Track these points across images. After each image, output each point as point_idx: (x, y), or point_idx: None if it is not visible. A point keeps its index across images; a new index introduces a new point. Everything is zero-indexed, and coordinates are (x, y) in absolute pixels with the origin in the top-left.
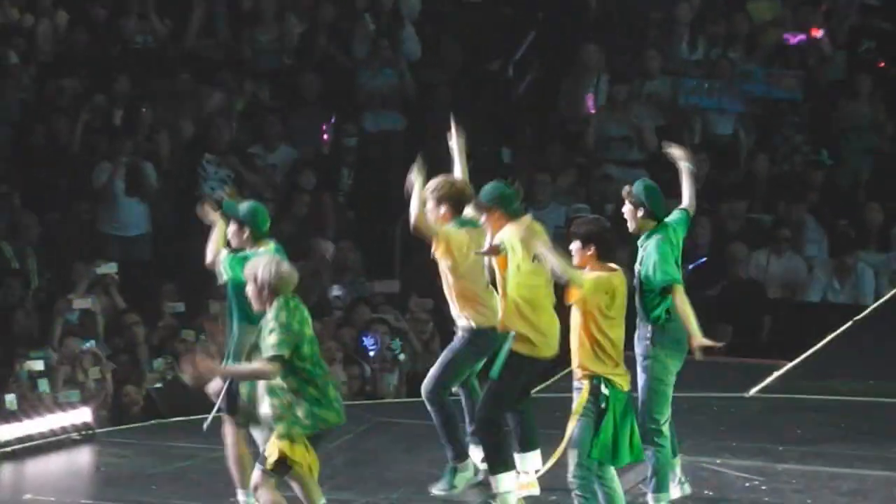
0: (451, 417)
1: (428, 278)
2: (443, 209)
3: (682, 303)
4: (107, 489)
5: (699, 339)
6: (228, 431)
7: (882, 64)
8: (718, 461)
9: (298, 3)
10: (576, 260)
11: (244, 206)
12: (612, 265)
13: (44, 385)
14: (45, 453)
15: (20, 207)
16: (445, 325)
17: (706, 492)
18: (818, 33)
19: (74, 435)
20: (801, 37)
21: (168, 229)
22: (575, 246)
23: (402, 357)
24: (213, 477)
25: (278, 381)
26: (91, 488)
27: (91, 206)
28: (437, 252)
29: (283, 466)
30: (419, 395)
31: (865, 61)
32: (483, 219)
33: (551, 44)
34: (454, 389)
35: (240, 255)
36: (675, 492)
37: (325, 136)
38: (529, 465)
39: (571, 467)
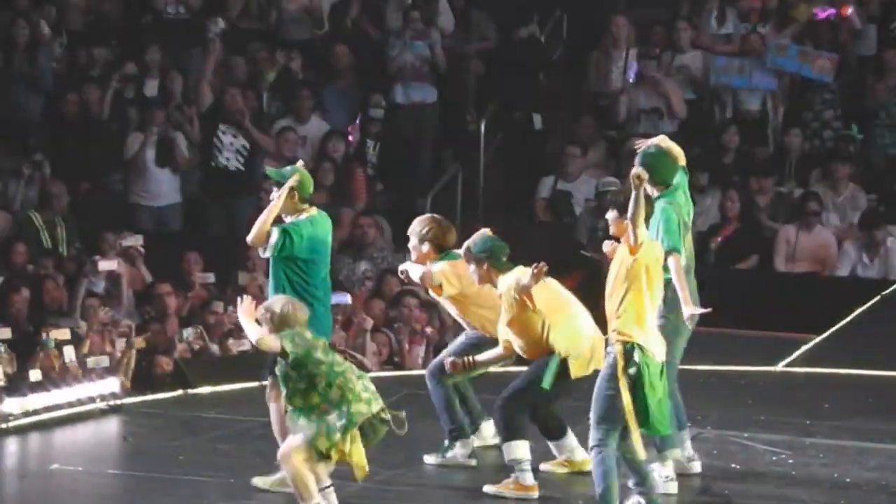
0: (449, 395)
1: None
2: (426, 248)
3: (676, 271)
4: (134, 460)
5: (689, 307)
6: (273, 396)
7: None
8: (746, 435)
9: None
10: (612, 229)
11: (289, 170)
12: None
13: (69, 354)
14: (73, 423)
15: (50, 177)
16: None
17: (734, 465)
18: (847, 10)
19: (102, 405)
20: (831, 11)
21: (197, 200)
22: (612, 215)
23: (429, 330)
24: (241, 448)
25: (299, 401)
26: (118, 459)
27: (122, 176)
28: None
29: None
30: None
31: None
32: (472, 269)
33: (581, 16)
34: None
35: (290, 224)
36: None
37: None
38: (564, 451)
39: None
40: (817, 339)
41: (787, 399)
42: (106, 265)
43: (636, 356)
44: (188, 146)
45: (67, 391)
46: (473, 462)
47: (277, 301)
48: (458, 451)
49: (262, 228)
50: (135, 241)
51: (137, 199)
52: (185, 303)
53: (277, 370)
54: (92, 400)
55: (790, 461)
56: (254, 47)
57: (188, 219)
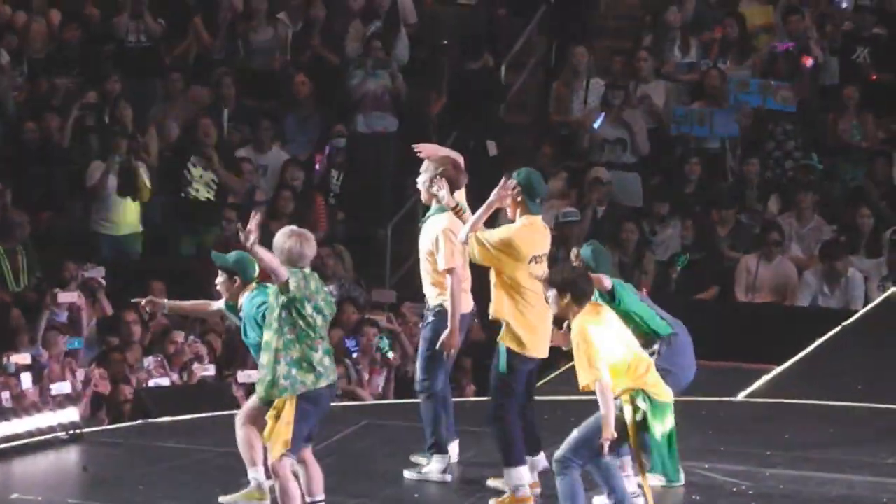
0: (437, 410)
1: (419, 282)
2: (436, 186)
3: None
4: (94, 489)
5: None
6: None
7: (874, 77)
8: (706, 465)
9: (289, 3)
10: (553, 310)
11: (232, 256)
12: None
13: (27, 381)
14: (33, 452)
15: (11, 206)
16: None
17: (694, 496)
18: (808, 62)
19: (62, 434)
20: (791, 44)
21: (159, 229)
22: (552, 294)
23: (390, 355)
24: (202, 477)
25: (269, 337)
26: (78, 488)
27: (83, 204)
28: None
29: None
30: (408, 397)
31: (859, 69)
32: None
33: (544, 45)
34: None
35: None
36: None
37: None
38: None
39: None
40: (778, 370)
41: (748, 429)
42: (66, 297)
43: (640, 402)
44: (149, 175)
45: (27, 420)
46: (448, 478)
47: (283, 236)
48: (434, 467)
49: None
50: (96, 272)
51: (99, 228)
52: (146, 332)
53: (270, 297)
54: (52, 429)
55: (750, 492)
56: (216, 76)
57: (149, 248)
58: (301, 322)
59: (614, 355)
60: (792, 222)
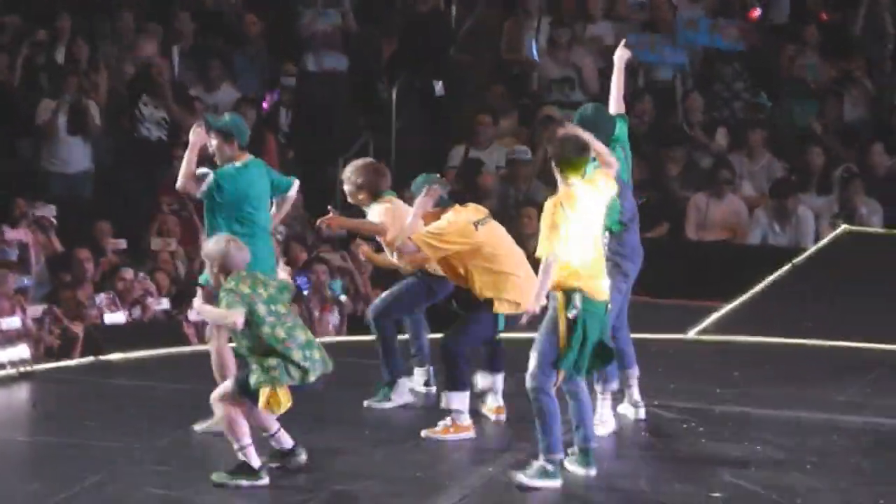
0: (391, 340)
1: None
2: (362, 195)
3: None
4: (44, 426)
5: None
6: (215, 333)
7: (824, 16)
8: (656, 403)
9: None
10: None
11: (227, 118)
12: None
13: None
14: None
15: None
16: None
17: (643, 434)
18: (756, 12)
19: (12, 371)
20: None
21: (108, 168)
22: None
23: (343, 298)
24: (151, 414)
25: (243, 350)
26: (28, 425)
27: (33, 143)
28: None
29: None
30: (360, 334)
31: (809, 8)
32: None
33: None
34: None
35: (231, 167)
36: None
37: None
38: (499, 386)
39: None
40: (728, 307)
41: (698, 367)
42: (14, 234)
43: (576, 299)
44: (100, 114)
45: None
46: (411, 399)
47: (214, 244)
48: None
49: (188, 170)
50: (47, 211)
51: (48, 167)
52: (96, 269)
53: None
54: (2, 366)
55: (700, 429)
56: (167, 14)
57: (99, 186)
58: (263, 326)
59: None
60: (743, 160)
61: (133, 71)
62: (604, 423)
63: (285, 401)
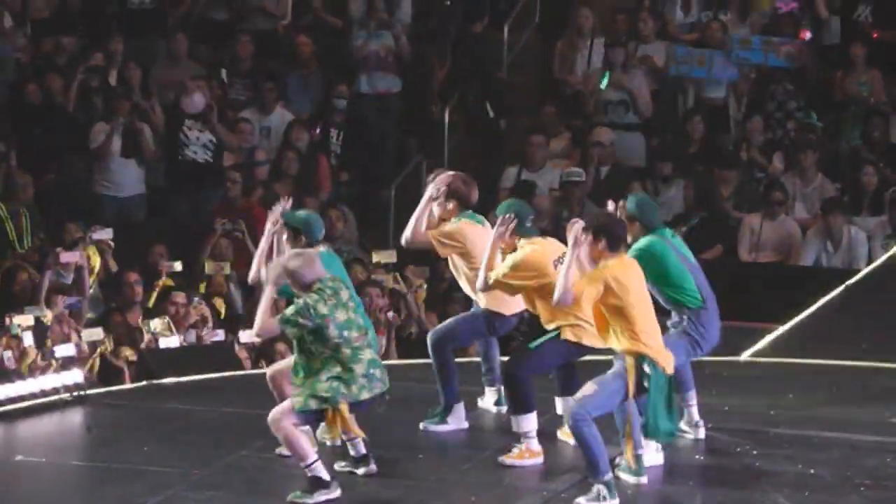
0: (448, 366)
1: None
2: (451, 205)
3: None
4: (98, 451)
5: None
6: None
7: (876, 35)
8: (710, 425)
9: None
10: (587, 254)
11: (301, 215)
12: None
13: (28, 339)
14: (37, 414)
15: (15, 167)
16: (439, 288)
17: (698, 456)
18: (806, 35)
19: (66, 395)
20: (793, 4)
21: (160, 191)
22: (588, 238)
23: (390, 315)
24: (205, 438)
25: (299, 359)
26: (82, 449)
27: (86, 166)
28: (449, 249)
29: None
30: (410, 357)
31: (860, 28)
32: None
33: (546, 5)
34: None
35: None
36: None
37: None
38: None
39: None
40: (781, 329)
41: (752, 389)
42: (68, 257)
43: (646, 367)
44: (153, 137)
45: (32, 382)
46: (465, 425)
47: (287, 259)
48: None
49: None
50: (105, 234)
51: (102, 190)
52: (149, 293)
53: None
54: (56, 391)
55: (754, 452)
56: (218, 37)
57: (151, 210)
58: (327, 344)
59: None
60: (796, 182)
61: (174, 95)
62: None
63: (345, 424)
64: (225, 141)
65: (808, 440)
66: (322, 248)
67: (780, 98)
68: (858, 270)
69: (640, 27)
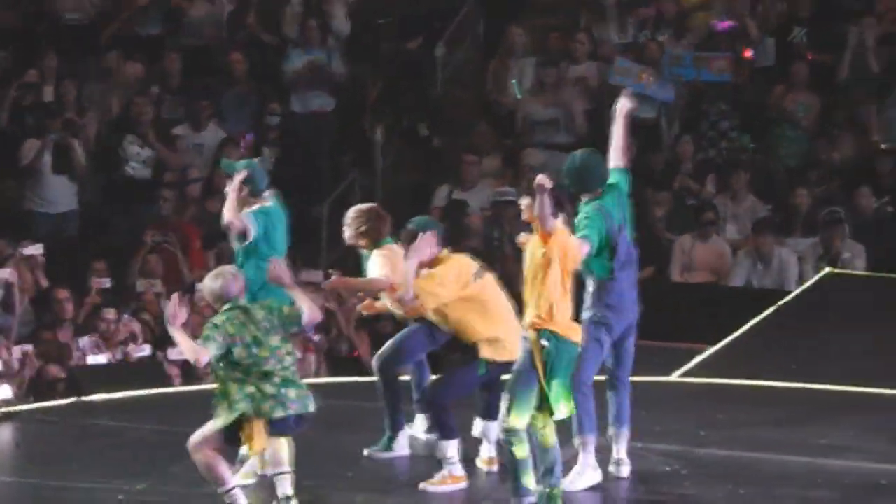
0: (397, 390)
1: (354, 262)
2: (363, 241)
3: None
4: (27, 467)
5: None
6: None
7: (810, 56)
8: (641, 445)
9: None
10: (525, 215)
11: (242, 163)
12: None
13: None
14: None
15: None
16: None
17: (628, 476)
18: (749, 53)
19: None
20: (730, 23)
21: (94, 207)
22: (525, 201)
23: (317, 338)
24: (136, 455)
25: (216, 387)
26: (11, 466)
27: (17, 183)
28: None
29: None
30: (339, 376)
31: (796, 49)
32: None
33: (480, 25)
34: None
35: (259, 209)
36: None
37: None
38: (493, 435)
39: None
40: (712, 350)
41: (682, 409)
42: (0, 274)
43: (546, 342)
44: (85, 153)
45: None
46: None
47: (208, 281)
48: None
49: (235, 215)
50: (35, 250)
51: (34, 206)
52: (78, 310)
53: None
54: None
55: (684, 472)
56: (153, 53)
57: (85, 226)
58: (238, 366)
59: None
60: (727, 203)
61: (117, 110)
62: (583, 473)
63: (262, 441)
64: (163, 158)
65: (737, 461)
66: (269, 201)
67: (714, 118)
68: (789, 292)
69: (575, 47)
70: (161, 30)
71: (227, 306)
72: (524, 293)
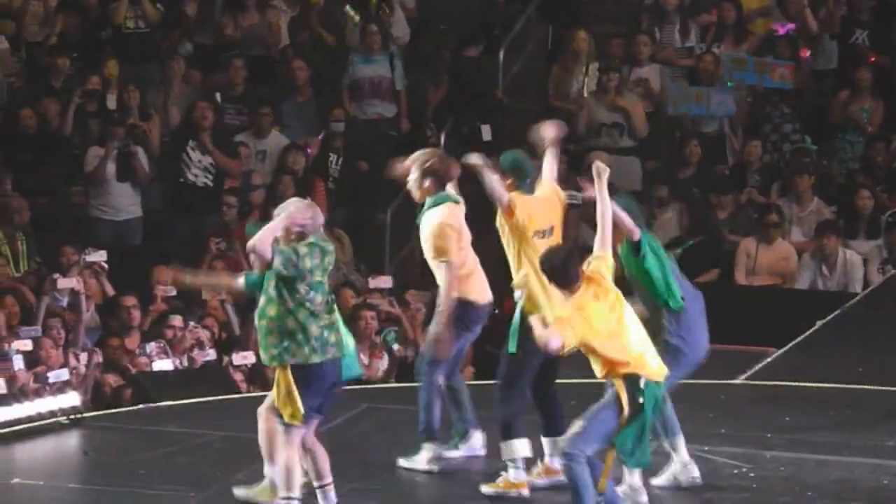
0: (433, 394)
1: (420, 267)
2: (427, 182)
3: None
4: (94, 474)
5: None
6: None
7: (873, 58)
8: (707, 448)
9: None
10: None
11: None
12: None
13: (19, 363)
14: (33, 437)
15: (10, 191)
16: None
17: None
18: (806, 53)
19: (62, 419)
20: (790, 26)
21: (158, 214)
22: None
23: (395, 347)
24: (200, 462)
25: (264, 304)
26: (79, 473)
27: (82, 190)
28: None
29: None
30: (409, 381)
31: (858, 52)
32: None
33: (542, 31)
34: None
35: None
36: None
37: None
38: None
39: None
40: (778, 353)
41: (748, 412)
42: (66, 283)
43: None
44: (148, 161)
45: (28, 405)
46: (435, 468)
47: (298, 202)
48: (422, 455)
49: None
50: (98, 256)
51: (98, 214)
52: (145, 317)
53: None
54: (52, 414)
55: (751, 474)
56: (212, 62)
57: (148, 233)
58: (295, 297)
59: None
60: (791, 206)
61: (179, 118)
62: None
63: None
64: (221, 164)
65: (804, 463)
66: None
67: (777, 121)
68: (854, 294)
69: (637, 51)
70: (221, 38)
71: (311, 239)
72: None
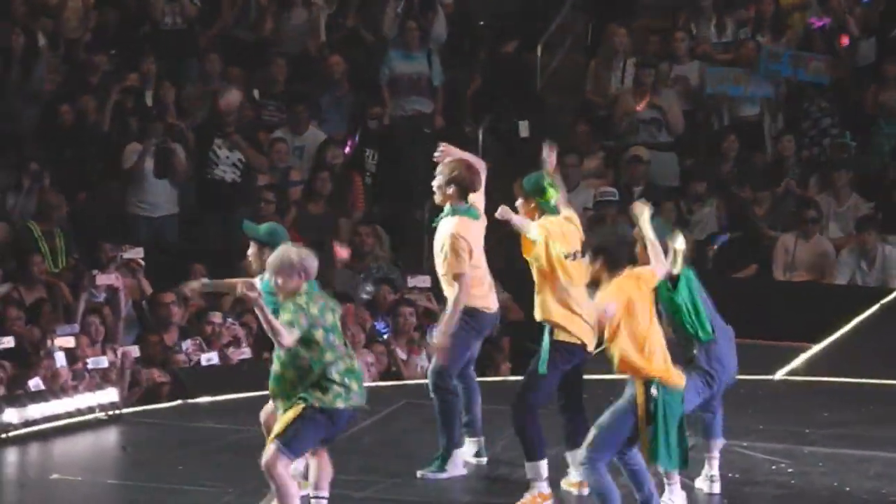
0: (453, 406)
1: None
2: (451, 189)
3: None
4: (133, 469)
5: None
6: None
7: None
8: (745, 444)
9: None
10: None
11: (263, 227)
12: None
13: (61, 359)
14: (72, 433)
15: (49, 187)
16: None
17: (733, 474)
18: (845, 41)
19: (101, 415)
20: (826, 20)
21: (194, 211)
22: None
23: (386, 336)
24: (239, 458)
25: (280, 369)
26: (117, 469)
27: (120, 186)
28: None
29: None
30: None
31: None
32: (518, 203)
33: (581, 26)
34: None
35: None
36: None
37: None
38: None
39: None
40: (816, 348)
41: (787, 408)
42: (105, 279)
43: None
44: (186, 157)
45: (67, 401)
46: (483, 460)
47: (281, 252)
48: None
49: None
50: (135, 253)
51: (135, 210)
52: (184, 313)
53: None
54: (91, 410)
55: (789, 470)
56: (250, 58)
57: (184, 230)
58: (313, 347)
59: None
60: (830, 202)
61: (206, 114)
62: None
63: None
64: (252, 161)
65: (843, 458)
66: None
67: (815, 115)
68: (893, 289)
69: (675, 47)
70: (259, 34)
71: (304, 287)
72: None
